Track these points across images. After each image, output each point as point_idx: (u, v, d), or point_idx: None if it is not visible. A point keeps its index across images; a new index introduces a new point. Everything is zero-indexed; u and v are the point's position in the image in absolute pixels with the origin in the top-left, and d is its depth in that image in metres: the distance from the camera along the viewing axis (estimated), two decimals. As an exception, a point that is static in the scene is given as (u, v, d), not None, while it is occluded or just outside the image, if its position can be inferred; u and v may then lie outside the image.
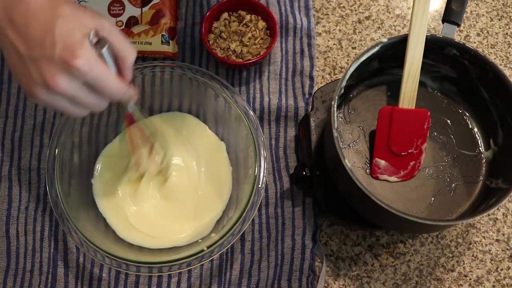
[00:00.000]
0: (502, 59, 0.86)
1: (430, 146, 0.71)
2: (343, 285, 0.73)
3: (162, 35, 0.79)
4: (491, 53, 0.86)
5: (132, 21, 0.80)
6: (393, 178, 0.69)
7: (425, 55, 0.68)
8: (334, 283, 0.73)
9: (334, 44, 0.85)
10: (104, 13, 0.80)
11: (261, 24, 0.80)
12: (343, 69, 0.83)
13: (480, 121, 0.72)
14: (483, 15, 0.88)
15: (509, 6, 0.89)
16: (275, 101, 0.79)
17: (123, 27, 0.79)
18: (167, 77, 0.74)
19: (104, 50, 0.50)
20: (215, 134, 0.77)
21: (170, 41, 0.80)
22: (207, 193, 0.73)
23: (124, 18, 0.80)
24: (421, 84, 0.72)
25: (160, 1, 0.81)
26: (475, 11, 0.88)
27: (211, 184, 0.73)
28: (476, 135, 0.72)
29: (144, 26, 0.79)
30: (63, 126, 0.69)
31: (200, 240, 0.69)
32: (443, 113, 0.73)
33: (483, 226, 0.76)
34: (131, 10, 0.80)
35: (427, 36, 0.67)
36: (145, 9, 0.80)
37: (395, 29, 0.86)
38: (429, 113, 0.69)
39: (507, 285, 0.73)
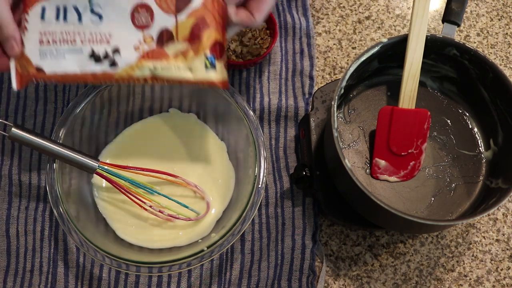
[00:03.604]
0: (502, 59, 0.86)
1: (430, 146, 0.71)
2: (343, 285, 0.73)
3: (206, 57, 0.57)
4: (491, 53, 0.86)
5: (165, 37, 0.57)
6: (393, 178, 0.69)
7: (425, 55, 0.68)
8: (334, 283, 0.73)
9: (334, 44, 0.84)
10: (128, 23, 0.57)
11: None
12: (343, 69, 0.83)
13: (480, 121, 0.72)
14: (483, 15, 0.88)
15: (509, 6, 0.89)
16: (275, 101, 0.79)
17: (153, 45, 0.57)
18: (167, 77, 0.73)
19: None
20: (215, 134, 0.77)
21: (217, 63, 0.57)
22: (208, 193, 0.73)
23: (153, 31, 0.57)
24: (421, 84, 0.72)
25: (201, 5, 0.56)
26: (475, 11, 0.88)
27: (212, 184, 0.73)
28: (476, 135, 0.72)
29: (181, 44, 0.57)
30: (63, 126, 0.69)
31: (200, 240, 0.69)
32: (443, 113, 0.73)
33: (483, 226, 0.76)
34: (162, 19, 0.57)
35: (427, 36, 0.67)
36: (182, 17, 0.57)
37: (395, 29, 0.86)
38: (429, 113, 0.69)
39: (507, 285, 0.73)
